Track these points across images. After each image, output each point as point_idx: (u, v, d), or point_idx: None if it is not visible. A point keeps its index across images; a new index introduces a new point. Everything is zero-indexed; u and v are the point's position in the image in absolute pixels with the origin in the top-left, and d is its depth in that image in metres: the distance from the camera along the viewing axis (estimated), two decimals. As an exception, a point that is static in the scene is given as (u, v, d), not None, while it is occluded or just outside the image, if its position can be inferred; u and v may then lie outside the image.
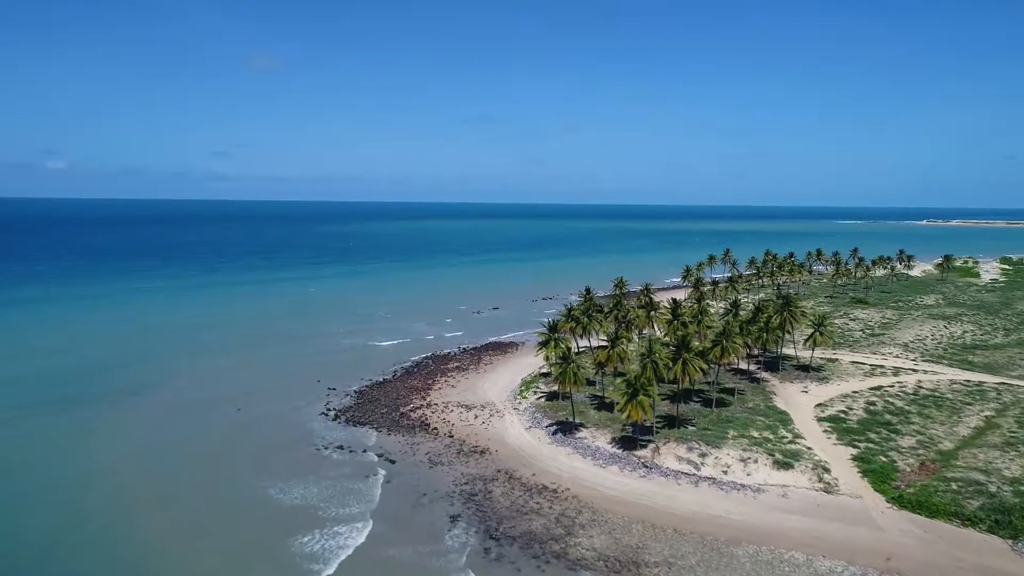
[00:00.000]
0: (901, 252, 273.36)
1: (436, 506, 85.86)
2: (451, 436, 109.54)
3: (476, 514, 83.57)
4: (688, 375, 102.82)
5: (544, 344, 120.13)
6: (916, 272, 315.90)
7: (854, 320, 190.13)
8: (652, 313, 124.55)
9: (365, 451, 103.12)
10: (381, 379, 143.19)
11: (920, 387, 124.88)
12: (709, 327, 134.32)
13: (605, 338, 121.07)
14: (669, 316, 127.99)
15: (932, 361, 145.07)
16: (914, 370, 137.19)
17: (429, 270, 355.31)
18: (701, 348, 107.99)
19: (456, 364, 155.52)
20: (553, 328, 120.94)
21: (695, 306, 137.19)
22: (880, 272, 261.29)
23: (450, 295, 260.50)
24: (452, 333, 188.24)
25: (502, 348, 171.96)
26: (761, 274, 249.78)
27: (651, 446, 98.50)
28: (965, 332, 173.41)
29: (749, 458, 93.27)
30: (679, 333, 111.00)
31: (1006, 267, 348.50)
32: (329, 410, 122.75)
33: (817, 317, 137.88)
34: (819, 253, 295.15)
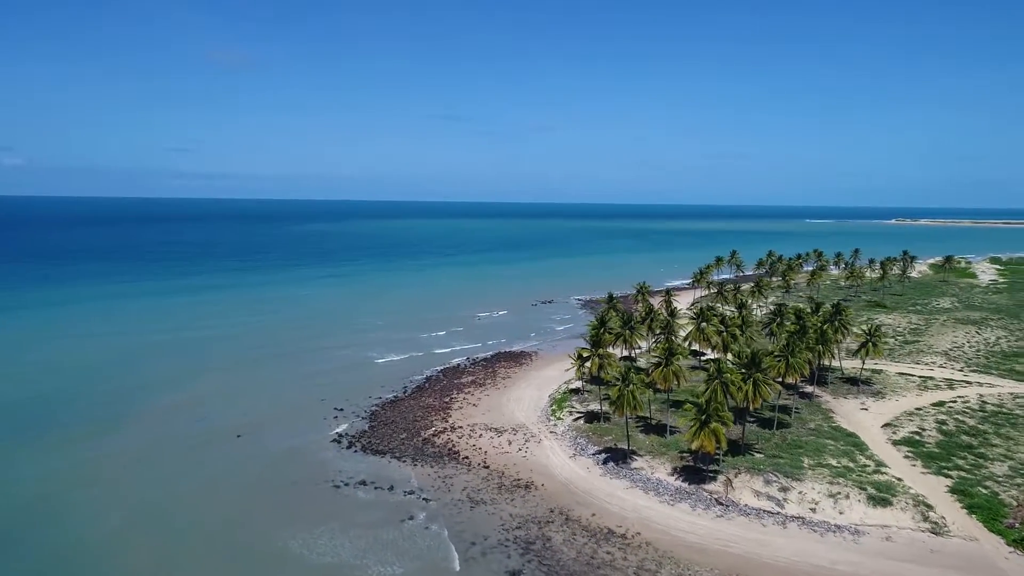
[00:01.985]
0: (905, 253, 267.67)
1: (491, 559, 73.14)
2: (487, 467, 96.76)
3: (540, 569, 71.09)
4: (761, 396, 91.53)
5: (586, 360, 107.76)
6: (914, 273, 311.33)
7: (871, 325, 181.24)
8: (704, 325, 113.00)
9: (392, 488, 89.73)
10: (392, 397, 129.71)
11: (984, 402, 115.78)
12: (752, 338, 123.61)
13: (643, 349, 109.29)
14: (719, 326, 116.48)
15: (980, 371, 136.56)
16: (967, 382, 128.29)
17: (415, 272, 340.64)
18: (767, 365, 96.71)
19: (471, 378, 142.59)
20: (597, 343, 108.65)
21: (736, 315, 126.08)
22: (894, 273, 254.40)
23: (444, 299, 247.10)
24: (458, 343, 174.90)
25: (515, 359, 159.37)
26: (772, 275, 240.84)
27: (721, 478, 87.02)
28: (999, 339, 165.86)
29: (839, 493, 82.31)
30: (745, 350, 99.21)
31: (998, 267, 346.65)
32: (341, 436, 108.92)
33: (869, 326, 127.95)
34: (819, 254, 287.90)
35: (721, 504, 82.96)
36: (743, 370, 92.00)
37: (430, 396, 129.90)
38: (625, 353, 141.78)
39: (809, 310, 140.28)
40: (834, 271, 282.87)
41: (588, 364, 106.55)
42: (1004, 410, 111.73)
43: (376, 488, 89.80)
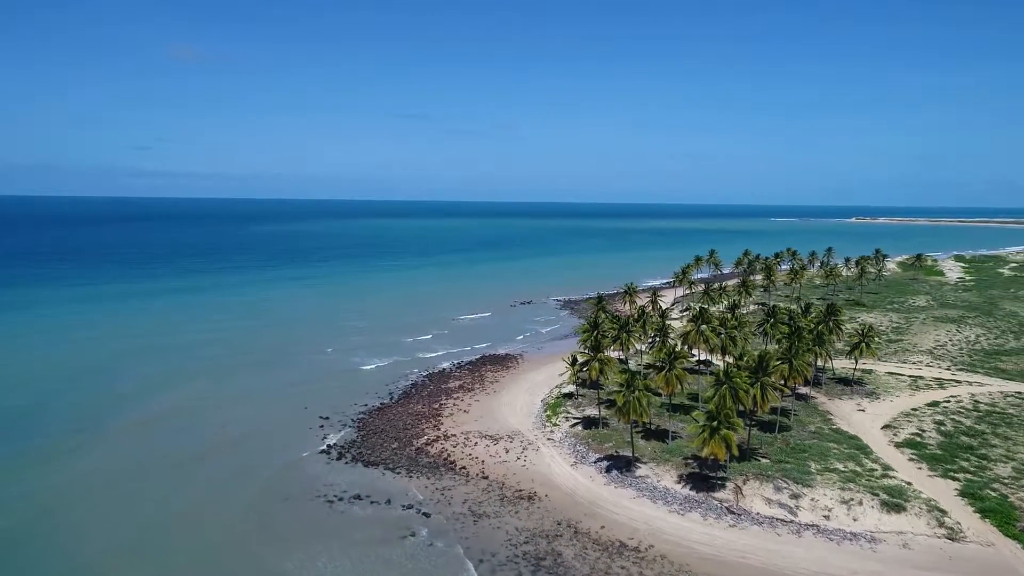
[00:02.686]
0: (878, 252, 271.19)
1: (501, 578, 69.77)
2: (485, 477, 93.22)
3: (554, 587, 67.96)
4: (768, 401, 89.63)
5: (584, 365, 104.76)
6: (884, 272, 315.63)
7: (863, 325, 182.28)
8: (703, 327, 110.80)
9: (389, 502, 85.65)
10: (378, 404, 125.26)
11: (977, 402, 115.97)
12: (746, 339, 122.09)
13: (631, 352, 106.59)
14: (719, 328, 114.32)
15: (966, 370, 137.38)
16: (957, 382, 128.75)
17: (390, 273, 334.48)
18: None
19: (458, 383, 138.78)
20: (596, 348, 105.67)
21: (730, 316, 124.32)
22: (869, 272, 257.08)
23: (422, 301, 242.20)
24: (442, 346, 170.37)
25: (501, 362, 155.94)
26: (751, 274, 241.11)
27: (730, 486, 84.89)
28: (979, 337, 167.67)
29: (851, 499, 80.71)
30: (753, 353, 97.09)
31: (963, 265, 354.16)
32: (330, 447, 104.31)
33: (862, 327, 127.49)
34: (794, 253, 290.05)
35: (733, 513, 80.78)
36: (750, 374, 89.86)
37: (418, 402, 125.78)
38: (619, 356, 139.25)
39: (799, 310, 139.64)
40: (810, 269, 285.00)
41: (587, 369, 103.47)
42: (997, 409, 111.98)
43: (372, 503, 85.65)
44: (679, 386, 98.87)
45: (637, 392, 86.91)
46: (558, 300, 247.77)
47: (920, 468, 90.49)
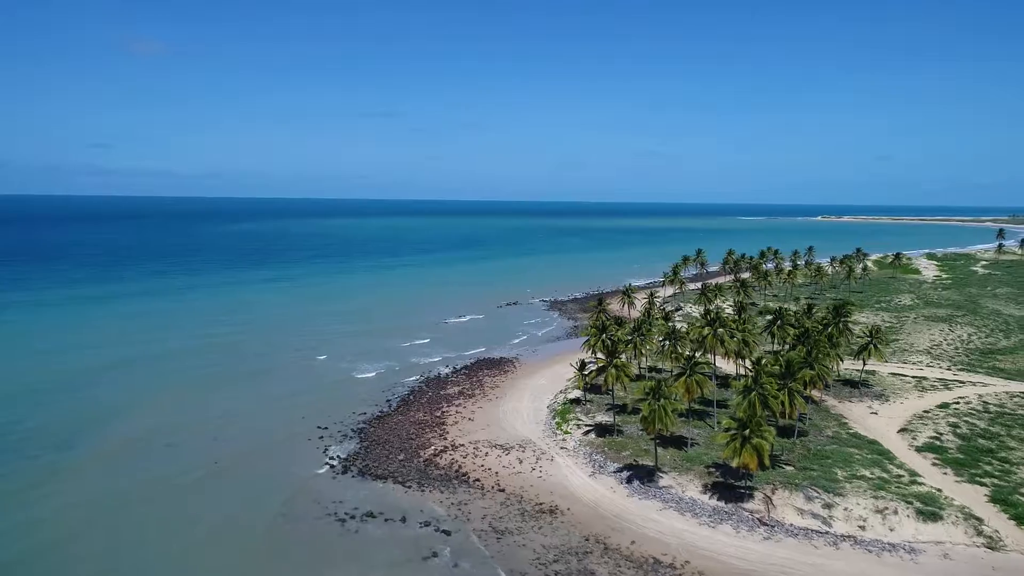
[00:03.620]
0: (858, 250, 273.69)
1: (536, 602, 65.88)
2: (502, 490, 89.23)
3: (593, 610, 64.34)
4: (796, 408, 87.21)
5: (602, 371, 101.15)
6: (856, 268, 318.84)
7: (856, 325, 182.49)
8: (720, 331, 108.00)
9: (404, 519, 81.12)
10: (378, 412, 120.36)
11: (986, 403, 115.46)
12: (756, 344, 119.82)
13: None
14: (737, 332, 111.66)
15: (967, 370, 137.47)
16: (960, 382, 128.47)
17: (367, 274, 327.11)
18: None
19: (457, 388, 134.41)
20: (612, 353, 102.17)
21: (738, 318, 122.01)
22: (857, 270, 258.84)
23: (406, 303, 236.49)
24: (435, 351, 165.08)
25: (498, 366, 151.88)
26: (736, 273, 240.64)
27: (759, 496, 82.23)
28: (971, 336, 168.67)
29: (886, 508, 78.59)
30: (780, 358, 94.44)
31: (936, 262, 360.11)
32: (333, 459, 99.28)
33: (870, 328, 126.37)
34: (775, 252, 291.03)
35: (765, 524, 78.09)
36: (778, 380, 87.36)
37: (419, 410, 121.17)
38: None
39: (802, 311, 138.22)
40: (788, 267, 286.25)
41: (603, 375, 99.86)
42: (1007, 411, 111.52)
43: (387, 520, 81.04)
44: (700, 391, 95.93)
45: (663, 401, 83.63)
46: (544, 301, 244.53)
47: (945, 473, 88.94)
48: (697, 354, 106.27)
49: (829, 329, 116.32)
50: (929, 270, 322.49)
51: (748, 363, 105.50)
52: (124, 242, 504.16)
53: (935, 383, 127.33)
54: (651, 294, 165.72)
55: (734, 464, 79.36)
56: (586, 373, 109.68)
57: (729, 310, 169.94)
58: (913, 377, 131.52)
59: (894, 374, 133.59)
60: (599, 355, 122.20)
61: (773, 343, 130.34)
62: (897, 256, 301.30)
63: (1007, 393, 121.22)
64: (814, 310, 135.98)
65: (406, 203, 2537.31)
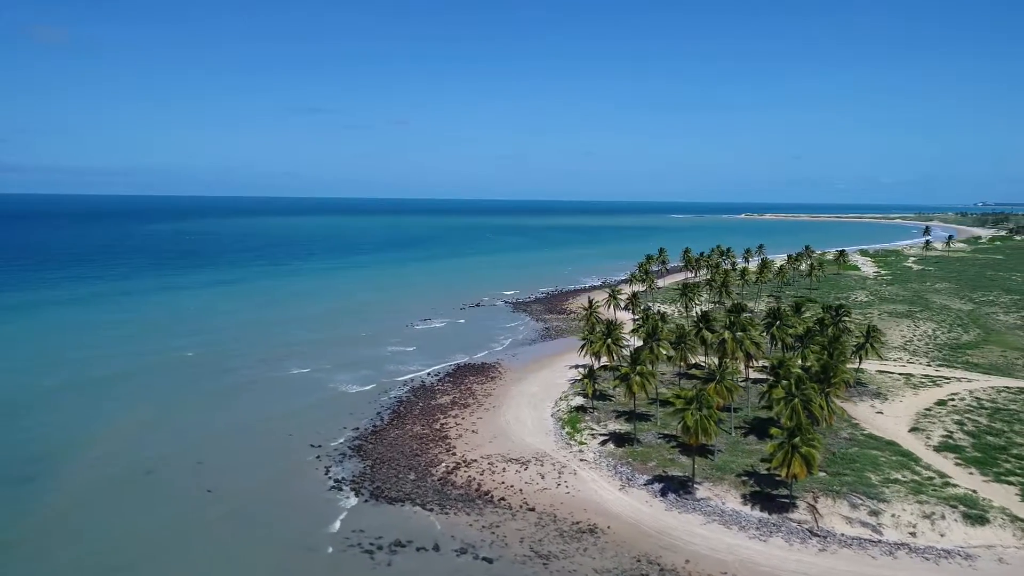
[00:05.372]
0: (807, 248, 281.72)
1: (608, 635, 60.99)
2: (532, 509, 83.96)
3: (670, 641, 59.97)
4: (835, 413, 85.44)
5: (625, 379, 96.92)
6: (803, 266, 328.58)
7: (867, 326, 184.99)
8: (740, 334, 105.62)
9: (437, 547, 74.70)
10: (371, 427, 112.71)
11: (979, 399, 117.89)
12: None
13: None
14: (757, 337, 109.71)
15: (945, 366, 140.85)
16: (946, 378, 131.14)
17: (314, 277, 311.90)
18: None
19: (448, 398, 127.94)
20: (635, 360, 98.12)
21: (737, 319, 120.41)
22: (800, 269, 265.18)
23: (364, 307, 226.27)
24: (412, 359, 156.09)
25: (483, 372, 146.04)
26: (694, 271, 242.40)
27: (802, 504, 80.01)
28: (935, 331, 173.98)
29: (932, 513, 77.59)
30: (806, 362, 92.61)
31: (871, 259, 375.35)
32: (336, 481, 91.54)
33: (865, 327, 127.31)
34: (727, 250, 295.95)
35: (816, 535, 75.79)
36: (816, 384, 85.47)
37: (415, 423, 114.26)
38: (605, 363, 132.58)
39: (789, 310, 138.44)
40: (742, 265, 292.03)
41: (628, 383, 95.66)
42: (1000, 406, 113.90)
43: (418, 549, 74.45)
44: (731, 397, 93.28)
45: (706, 410, 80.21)
46: (507, 302, 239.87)
47: (971, 474, 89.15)
48: (716, 360, 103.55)
49: (830, 329, 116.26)
50: (867, 267, 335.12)
51: (756, 365, 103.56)
52: (34, 240, 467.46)
53: (923, 380, 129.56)
54: (633, 294, 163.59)
55: (783, 475, 76.74)
56: (611, 381, 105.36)
57: (700, 309, 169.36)
58: (900, 374, 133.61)
59: (881, 371, 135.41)
60: (603, 359, 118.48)
61: (773, 344, 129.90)
62: (842, 253, 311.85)
63: (993, 388, 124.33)
64: (803, 309, 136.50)
65: (342, 201, 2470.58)
